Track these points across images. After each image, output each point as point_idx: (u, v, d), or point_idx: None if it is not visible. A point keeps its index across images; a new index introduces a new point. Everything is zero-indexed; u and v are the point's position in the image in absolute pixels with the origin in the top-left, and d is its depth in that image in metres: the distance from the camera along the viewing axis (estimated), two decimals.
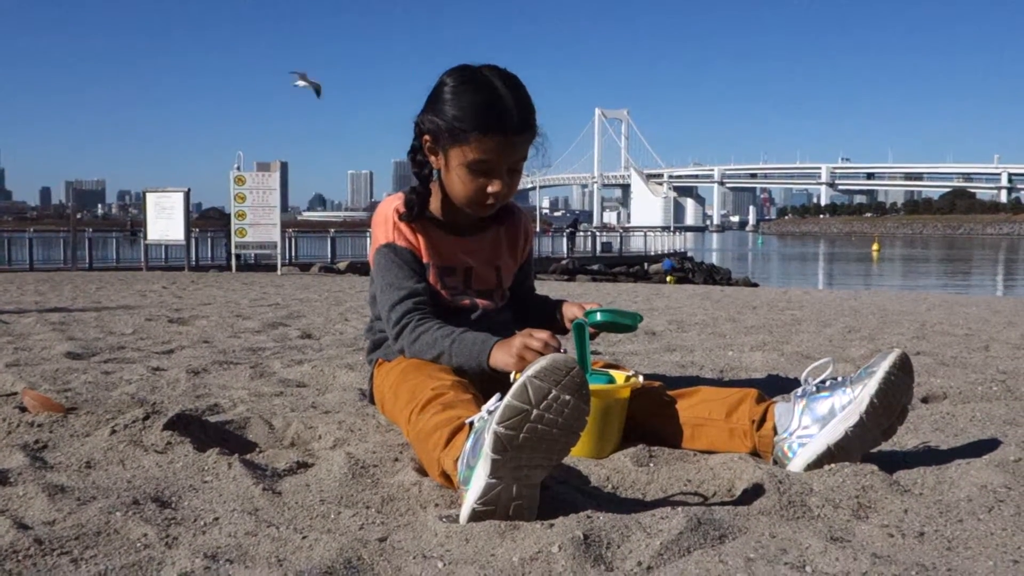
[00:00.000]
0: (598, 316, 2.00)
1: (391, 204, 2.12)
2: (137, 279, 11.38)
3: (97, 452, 1.81)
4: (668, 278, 27.17)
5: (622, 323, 1.99)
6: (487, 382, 1.85)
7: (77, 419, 2.05)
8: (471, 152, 1.92)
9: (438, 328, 1.98)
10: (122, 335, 4.17)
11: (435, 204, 2.10)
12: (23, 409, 2.13)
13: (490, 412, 1.42)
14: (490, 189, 1.96)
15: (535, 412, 1.36)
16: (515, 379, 1.43)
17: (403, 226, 2.08)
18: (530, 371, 1.38)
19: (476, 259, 2.15)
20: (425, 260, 2.09)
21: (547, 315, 2.27)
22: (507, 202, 2.13)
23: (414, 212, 2.07)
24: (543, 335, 1.79)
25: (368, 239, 24.82)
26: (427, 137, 1.99)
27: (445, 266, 2.12)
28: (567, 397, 1.38)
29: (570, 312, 2.19)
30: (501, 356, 1.84)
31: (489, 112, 1.89)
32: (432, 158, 2.02)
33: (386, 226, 2.09)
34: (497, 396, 1.44)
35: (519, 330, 2.05)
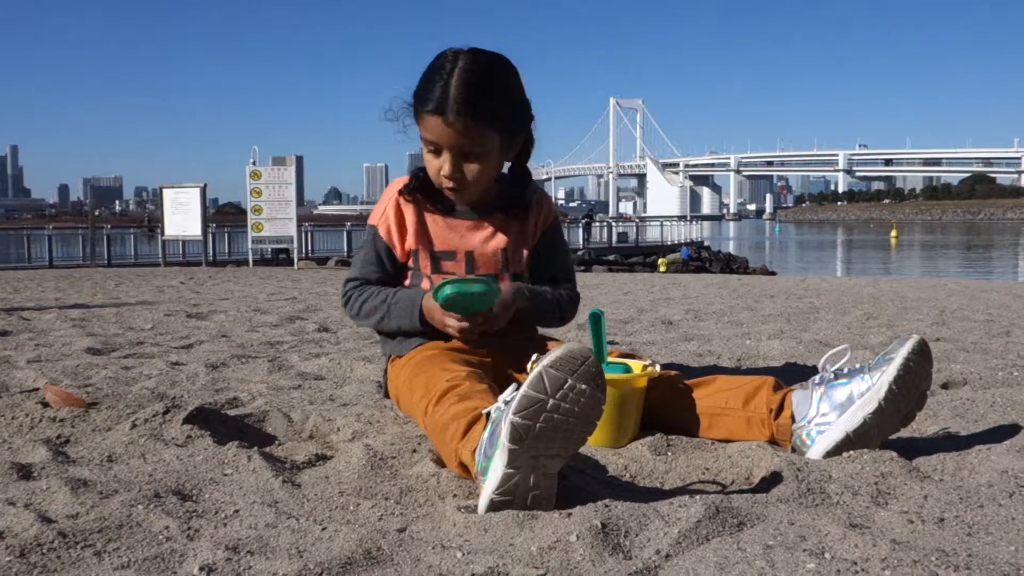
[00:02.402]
0: (447, 289, 1.88)
1: (396, 187, 2.16)
2: (155, 275, 11.45)
3: (118, 446, 1.83)
4: (660, 263, 26.94)
5: (471, 293, 1.89)
6: (499, 375, 1.86)
7: (98, 414, 2.07)
8: (422, 129, 1.97)
9: (376, 294, 2.11)
10: (141, 330, 4.20)
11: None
12: (45, 404, 2.15)
13: (507, 402, 1.42)
14: (441, 171, 1.99)
15: (551, 402, 1.37)
16: (531, 369, 1.43)
17: (393, 214, 2.11)
18: (546, 361, 1.38)
19: (479, 242, 2.13)
20: (413, 246, 2.11)
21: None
22: (529, 187, 2.14)
23: (412, 186, 2.10)
24: (453, 326, 1.94)
25: None
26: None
27: (444, 250, 2.11)
28: (583, 386, 1.38)
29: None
30: (430, 315, 2.00)
31: (429, 90, 1.91)
32: None
33: (382, 205, 2.16)
34: (514, 386, 1.45)
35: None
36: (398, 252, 2.14)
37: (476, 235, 2.13)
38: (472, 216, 2.13)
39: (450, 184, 2.00)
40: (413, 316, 2.03)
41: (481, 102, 1.90)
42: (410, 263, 2.14)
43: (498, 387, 1.68)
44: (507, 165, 2.12)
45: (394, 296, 2.08)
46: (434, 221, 2.12)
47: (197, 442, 1.83)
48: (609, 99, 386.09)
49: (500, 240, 2.14)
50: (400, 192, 2.11)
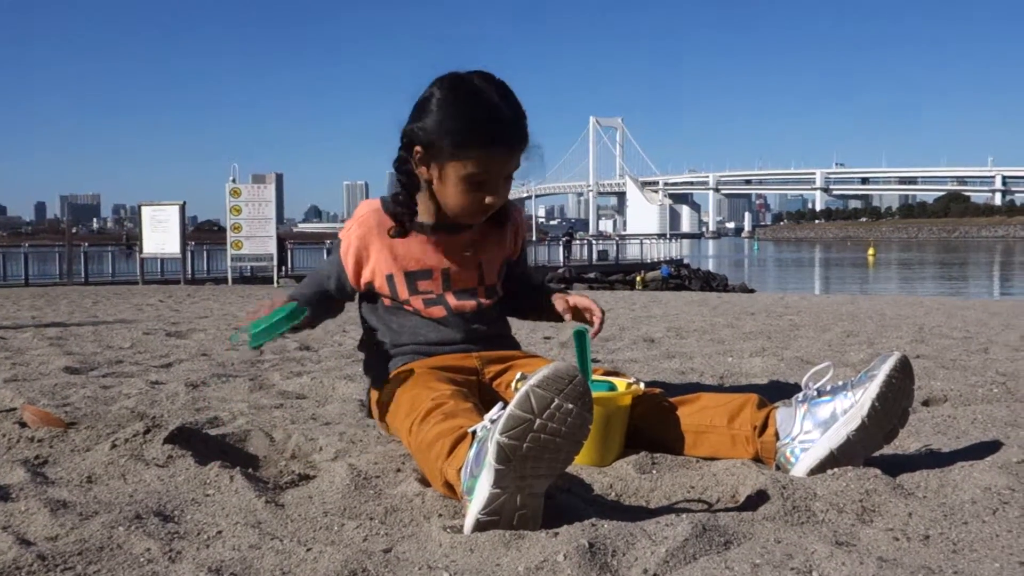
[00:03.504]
0: (256, 339, 1.79)
1: (369, 207, 2.09)
2: (133, 293, 11.36)
3: (98, 467, 1.80)
4: (637, 280, 27.11)
5: (278, 321, 1.82)
6: (487, 392, 1.85)
7: (77, 434, 2.05)
8: (471, 166, 1.88)
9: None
10: (120, 349, 4.16)
11: (420, 210, 2.04)
12: (23, 424, 2.12)
13: (493, 421, 1.42)
14: (488, 200, 1.94)
15: (538, 421, 1.36)
16: (517, 387, 1.42)
17: (357, 242, 2.06)
18: (533, 380, 1.38)
19: (454, 257, 2.09)
20: (386, 272, 2.05)
21: (539, 302, 2.23)
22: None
23: (406, 229, 2.03)
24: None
25: None
26: (419, 149, 1.92)
27: (420, 270, 2.07)
28: (570, 406, 1.37)
29: (559, 304, 2.14)
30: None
31: (491, 125, 1.86)
32: (422, 169, 1.95)
33: (351, 228, 2.08)
34: (500, 405, 1.44)
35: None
36: (349, 275, 2.09)
37: (451, 250, 2.08)
38: (448, 232, 2.08)
39: (491, 211, 1.98)
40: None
41: (526, 124, 1.94)
42: (385, 291, 2.08)
43: (483, 405, 1.68)
44: None
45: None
46: (409, 242, 2.06)
47: (178, 462, 1.81)
48: (589, 118, 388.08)
49: (476, 254, 2.12)
50: (393, 235, 2.04)
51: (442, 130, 1.87)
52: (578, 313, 2.11)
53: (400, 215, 2.01)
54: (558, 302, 2.14)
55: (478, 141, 1.86)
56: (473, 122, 1.86)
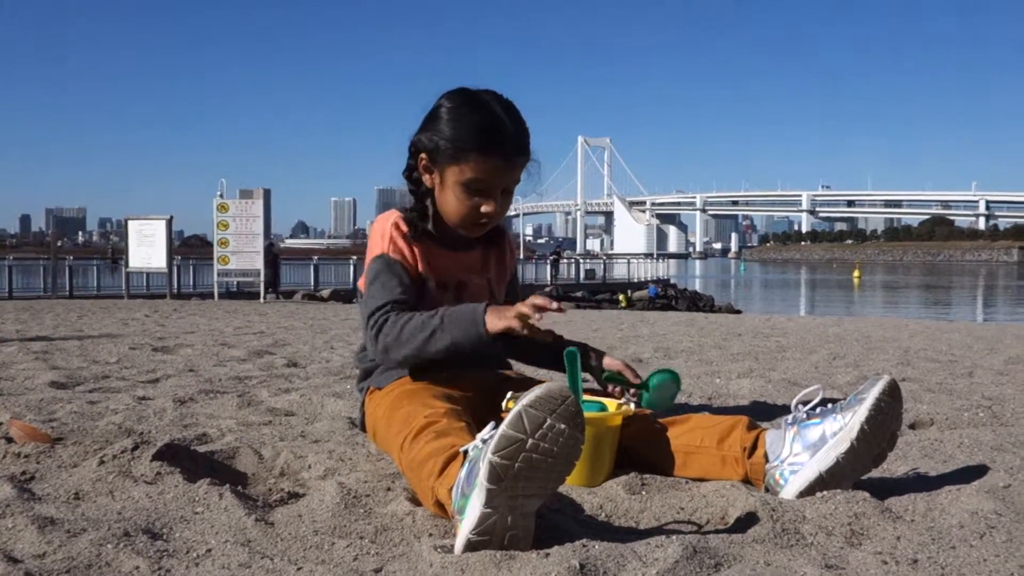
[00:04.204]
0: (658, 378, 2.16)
1: (388, 219, 2.09)
2: (119, 307, 11.30)
3: (86, 483, 1.79)
4: (621, 298, 27.27)
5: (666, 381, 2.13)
6: (483, 410, 1.85)
7: (64, 450, 2.03)
8: (469, 171, 1.95)
9: (422, 313, 1.95)
10: (106, 364, 4.14)
11: (432, 224, 2.09)
12: (9, 440, 2.10)
13: (485, 441, 1.42)
14: (484, 209, 1.99)
15: (530, 441, 1.36)
16: (508, 408, 1.43)
17: (399, 239, 2.06)
18: (525, 400, 1.38)
19: (469, 274, 2.16)
20: (421, 270, 2.07)
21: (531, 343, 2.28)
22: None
23: (418, 230, 2.06)
24: (537, 300, 1.84)
25: (351, 267, 24.83)
26: (424, 156, 2.02)
27: (439, 281, 2.11)
28: (562, 426, 1.38)
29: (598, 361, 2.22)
30: (495, 318, 1.85)
31: (491, 133, 1.93)
32: (426, 176, 2.04)
33: (383, 240, 2.06)
34: (492, 425, 1.44)
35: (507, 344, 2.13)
36: (415, 268, 2.07)
37: (465, 267, 2.16)
38: (459, 248, 2.14)
39: (488, 221, 2.02)
40: (477, 323, 1.87)
41: (529, 139, 2.01)
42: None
43: (476, 425, 1.68)
44: None
45: (448, 309, 1.94)
46: (429, 254, 2.10)
47: (167, 479, 1.80)
48: (577, 138, 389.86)
49: (486, 271, 2.19)
50: (405, 238, 2.05)
51: (444, 135, 1.95)
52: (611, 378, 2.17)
53: (412, 219, 2.06)
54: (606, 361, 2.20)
55: (476, 145, 1.92)
56: (473, 127, 1.93)
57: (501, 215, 2.04)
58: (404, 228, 2.07)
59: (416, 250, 2.08)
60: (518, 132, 1.97)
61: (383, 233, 2.08)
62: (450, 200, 2.01)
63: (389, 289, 2.00)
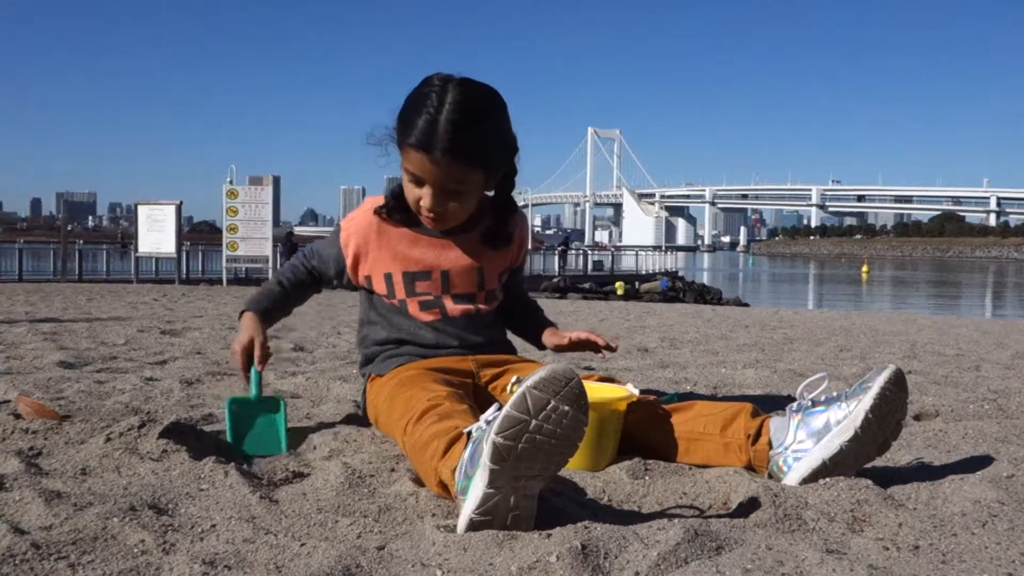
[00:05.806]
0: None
1: (373, 203, 2.13)
2: (127, 291, 11.34)
3: (93, 459, 1.80)
4: (617, 286, 27.21)
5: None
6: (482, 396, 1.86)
7: (72, 427, 2.05)
8: (405, 160, 1.93)
9: (281, 273, 2.25)
10: (114, 345, 4.16)
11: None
12: (17, 416, 2.12)
13: (488, 422, 1.43)
14: (422, 202, 1.96)
15: (534, 423, 1.37)
16: (513, 390, 1.43)
17: (356, 233, 2.11)
18: (529, 381, 1.39)
19: (455, 261, 2.10)
20: (386, 270, 2.09)
21: (529, 325, 2.32)
22: (512, 218, 2.14)
23: (390, 206, 2.06)
24: (244, 342, 2.06)
25: None
26: None
27: (419, 271, 2.09)
28: (566, 408, 1.38)
29: (549, 340, 2.25)
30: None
31: (415, 123, 1.85)
32: None
33: (354, 220, 2.14)
34: (495, 406, 1.45)
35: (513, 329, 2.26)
36: (347, 265, 2.13)
37: (451, 253, 2.10)
38: (450, 235, 2.10)
39: (430, 215, 1.99)
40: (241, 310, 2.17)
41: (469, 144, 1.85)
42: (382, 290, 2.11)
43: (478, 408, 1.69)
44: None
45: (268, 284, 2.24)
46: (409, 239, 2.09)
47: (173, 456, 1.82)
48: (587, 128, 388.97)
49: (476, 258, 2.13)
50: (376, 212, 2.08)
51: (397, 119, 1.94)
52: (579, 346, 2.20)
53: (388, 198, 2.07)
54: (552, 339, 2.23)
55: (406, 137, 1.89)
56: (408, 118, 1.89)
57: (447, 214, 1.98)
58: (383, 216, 2.09)
59: (390, 242, 2.08)
60: (451, 134, 1.82)
61: (363, 214, 2.12)
62: (404, 185, 2.00)
63: (322, 248, 2.21)
